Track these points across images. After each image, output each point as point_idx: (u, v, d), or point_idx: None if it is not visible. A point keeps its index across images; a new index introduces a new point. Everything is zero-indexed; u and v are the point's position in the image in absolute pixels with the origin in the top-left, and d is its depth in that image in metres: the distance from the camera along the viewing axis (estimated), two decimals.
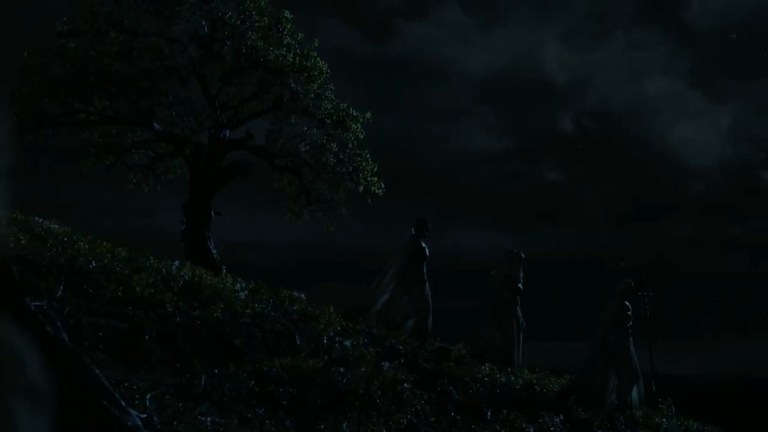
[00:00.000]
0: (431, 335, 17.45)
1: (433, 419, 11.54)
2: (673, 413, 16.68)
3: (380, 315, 17.34)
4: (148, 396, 8.22)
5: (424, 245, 18.14)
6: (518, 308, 18.55)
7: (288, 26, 20.07)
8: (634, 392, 16.33)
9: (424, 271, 17.98)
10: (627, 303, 16.67)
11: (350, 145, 20.45)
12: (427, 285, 17.88)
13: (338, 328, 14.13)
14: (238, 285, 14.67)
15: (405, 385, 11.98)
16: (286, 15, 20.11)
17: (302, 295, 15.79)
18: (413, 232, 18.34)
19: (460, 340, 17.02)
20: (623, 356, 16.24)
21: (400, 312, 17.51)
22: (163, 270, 12.73)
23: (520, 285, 18.57)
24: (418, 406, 11.68)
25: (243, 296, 13.64)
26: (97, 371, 4.95)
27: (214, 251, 19.87)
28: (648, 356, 17.42)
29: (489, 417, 12.85)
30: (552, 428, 13.51)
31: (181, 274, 13.12)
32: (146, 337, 10.17)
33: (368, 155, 20.45)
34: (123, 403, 5.30)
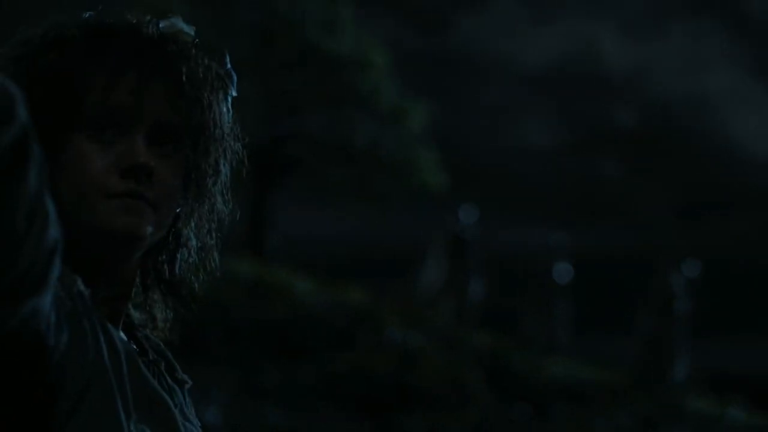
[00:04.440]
0: (473, 323, 17.21)
1: (502, 416, 11.36)
2: (745, 410, 16.37)
3: (421, 296, 17.21)
4: (215, 392, 8.08)
5: (463, 232, 17.91)
6: (557, 298, 18.30)
7: (346, 18, 19.91)
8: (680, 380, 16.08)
9: (466, 258, 17.73)
10: (672, 287, 16.31)
11: (408, 139, 20.29)
12: (468, 272, 17.64)
13: (401, 323, 13.98)
14: (298, 281, 14.53)
15: (472, 381, 11.81)
16: (343, 7, 19.96)
17: (361, 291, 15.65)
18: (453, 222, 18.11)
19: (510, 335, 16.80)
20: (671, 344, 15.98)
21: (438, 293, 17.35)
22: (226, 267, 12.63)
23: (554, 276, 18.33)
24: (487, 403, 11.49)
25: (304, 292, 13.52)
26: None
27: (269, 247, 19.78)
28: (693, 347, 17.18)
29: (556, 413, 12.68)
30: (619, 424, 13.31)
31: (244, 270, 13.02)
32: (211, 334, 10.06)
33: (428, 148, 20.27)
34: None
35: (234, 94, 1.60)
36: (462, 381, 11.73)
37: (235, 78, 1.60)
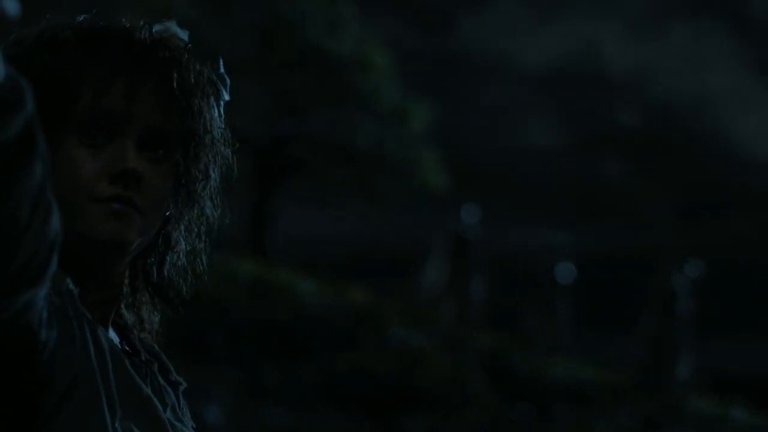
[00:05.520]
0: (475, 323, 17.19)
1: (503, 416, 11.36)
2: (747, 410, 16.35)
3: (423, 296, 17.20)
4: (216, 392, 8.07)
5: (465, 233, 17.89)
6: (559, 299, 18.28)
7: (346, 18, 19.91)
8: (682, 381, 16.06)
9: (468, 259, 17.71)
10: (673, 287, 16.30)
11: (409, 139, 20.29)
12: (470, 272, 17.62)
13: (402, 323, 13.97)
14: (299, 281, 14.53)
15: (474, 381, 11.81)
16: (344, 7, 19.96)
17: (362, 291, 15.64)
18: (455, 222, 18.11)
19: (511, 335, 16.79)
20: (672, 344, 15.97)
21: (440, 293, 17.34)
22: (227, 267, 12.64)
23: (556, 276, 18.32)
24: (488, 403, 11.50)
25: (305, 292, 13.51)
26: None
27: (270, 247, 19.76)
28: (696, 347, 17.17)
29: (558, 413, 12.68)
30: (620, 424, 13.31)
31: (245, 270, 13.01)
32: (212, 334, 10.06)
33: (429, 148, 20.27)
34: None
35: (227, 98, 1.60)
36: (463, 381, 11.72)
37: (228, 82, 1.60)
